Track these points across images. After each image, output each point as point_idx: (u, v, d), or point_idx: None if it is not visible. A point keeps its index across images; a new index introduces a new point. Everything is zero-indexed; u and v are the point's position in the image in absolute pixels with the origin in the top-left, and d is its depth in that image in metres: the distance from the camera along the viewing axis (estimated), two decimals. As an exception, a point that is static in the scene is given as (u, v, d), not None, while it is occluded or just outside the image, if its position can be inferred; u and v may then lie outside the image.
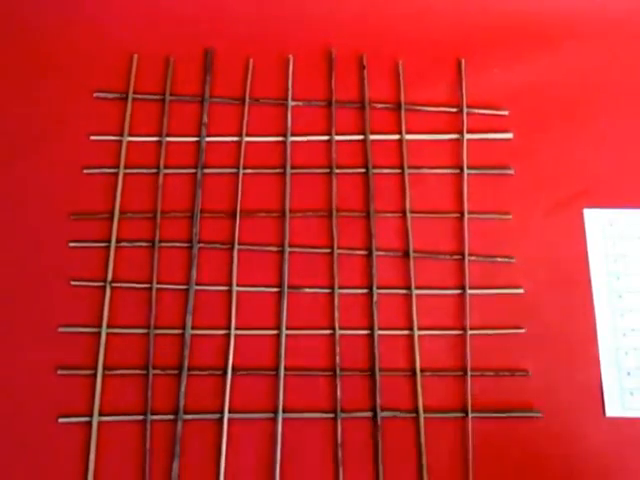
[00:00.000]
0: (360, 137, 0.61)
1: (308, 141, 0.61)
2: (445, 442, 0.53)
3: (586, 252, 0.58)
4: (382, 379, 0.54)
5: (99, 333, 0.55)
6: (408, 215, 0.58)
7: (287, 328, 0.55)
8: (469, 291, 0.57)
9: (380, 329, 0.55)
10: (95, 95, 0.61)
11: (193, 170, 0.59)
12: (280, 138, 0.61)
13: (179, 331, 0.55)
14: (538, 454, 0.53)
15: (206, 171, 0.59)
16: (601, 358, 0.56)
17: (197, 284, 0.56)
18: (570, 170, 0.61)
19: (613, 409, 0.54)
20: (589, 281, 0.57)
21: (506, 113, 0.62)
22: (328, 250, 0.57)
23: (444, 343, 0.56)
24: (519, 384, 0.55)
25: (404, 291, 0.57)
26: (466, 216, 0.59)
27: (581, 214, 0.59)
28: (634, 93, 0.63)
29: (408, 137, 0.61)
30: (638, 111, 0.62)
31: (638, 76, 0.64)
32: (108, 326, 0.55)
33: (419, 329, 0.56)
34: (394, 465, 0.52)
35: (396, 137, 0.61)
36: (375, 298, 0.56)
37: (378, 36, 0.64)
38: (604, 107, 0.62)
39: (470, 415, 0.53)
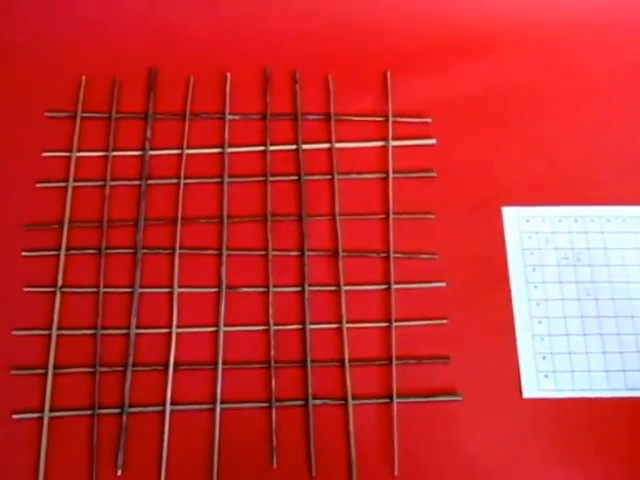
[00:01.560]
0: (293, 147, 0.65)
1: (245, 152, 0.65)
2: (372, 427, 0.57)
3: (504, 247, 0.63)
4: (313, 370, 0.58)
5: (50, 335, 0.59)
6: (337, 217, 0.63)
7: (225, 325, 0.59)
8: (394, 286, 0.61)
9: (311, 323, 0.60)
10: (47, 114, 0.66)
11: (138, 182, 0.64)
12: (218, 150, 0.65)
13: (124, 331, 0.59)
14: (460, 435, 0.57)
15: (150, 182, 0.64)
16: (518, 344, 0.60)
17: (141, 287, 0.60)
18: (489, 172, 0.65)
19: (530, 391, 0.58)
20: (507, 273, 0.62)
21: (429, 120, 0.67)
22: (263, 252, 0.62)
23: (371, 335, 0.60)
24: (441, 370, 0.59)
25: (334, 288, 0.61)
26: (391, 217, 0.63)
27: (499, 212, 0.64)
28: (544, 100, 0.68)
29: (338, 145, 0.66)
30: (548, 116, 0.67)
31: (546, 84, 0.69)
32: (58, 328, 0.59)
33: (348, 322, 0.60)
34: (325, 449, 0.56)
35: (326, 146, 0.66)
36: (307, 295, 0.60)
37: (310, 53, 0.69)
38: (519, 113, 0.68)
39: (395, 400, 0.57)
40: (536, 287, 0.62)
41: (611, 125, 0.67)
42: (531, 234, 0.63)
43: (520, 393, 0.58)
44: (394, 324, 0.60)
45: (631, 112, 0.68)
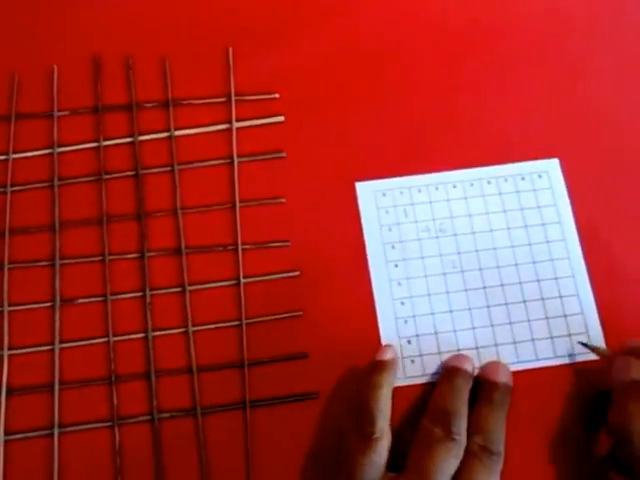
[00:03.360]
0: (129, 139, 0.60)
1: (76, 150, 0.60)
2: (225, 435, 0.53)
3: (361, 225, 0.58)
4: (160, 380, 0.54)
5: None
6: (179, 212, 0.58)
7: (61, 342, 0.55)
8: (243, 280, 0.56)
9: (155, 330, 0.55)
10: None
11: (-40, 195, 0.58)
12: (48, 151, 0.60)
13: (-49, 359, 0.54)
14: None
15: (-27, 194, 0.59)
16: (380, 328, 0.55)
17: (-32, 309, 0.56)
18: (342, 147, 0.60)
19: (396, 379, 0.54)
20: (365, 253, 0.57)
21: (277, 96, 0.62)
22: (100, 258, 0.57)
23: (222, 336, 0.55)
24: (298, 368, 0.54)
25: (178, 289, 0.56)
26: (238, 205, 0.58)
27: (353, 188, 0.59)
28: (397, 66, 0.63)
29: (178, 133, 0.60)
30: (402, 82, 0.62)
31: (398, 48, 0.64)
32: None
33: (194, 326, 0.55)
34: (176, 464, 0.52)
35: (165, 135, 0.60)
36: (148, 300, 0.56)
37: (144, 37, 0.64)
38: (370, 82, 0.62)
39: (248, 406, 0.53)
40: (397, 266, 0.57)
41: (465, 88, 0.62)
42: (388, 208, 0.59)
43: (385, 382, 0.54)
44: (244, 322, 0.55)
45: (486, 73, 0.63)
